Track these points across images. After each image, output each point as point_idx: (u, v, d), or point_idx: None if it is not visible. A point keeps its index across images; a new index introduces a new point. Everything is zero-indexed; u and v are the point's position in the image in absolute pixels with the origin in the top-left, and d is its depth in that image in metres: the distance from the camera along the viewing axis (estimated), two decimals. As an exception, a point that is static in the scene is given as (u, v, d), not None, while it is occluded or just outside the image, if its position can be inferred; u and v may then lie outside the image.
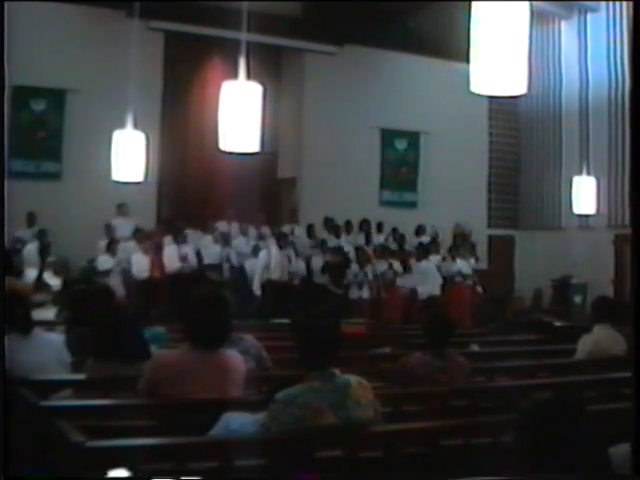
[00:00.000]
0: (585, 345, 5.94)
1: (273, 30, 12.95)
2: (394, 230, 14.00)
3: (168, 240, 12.00)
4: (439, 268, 12.54)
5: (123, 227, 12.07)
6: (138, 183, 9.45)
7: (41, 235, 11.44)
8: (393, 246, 13.51)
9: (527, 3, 3.98)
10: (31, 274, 10.31)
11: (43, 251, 11.06)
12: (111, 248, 11.38)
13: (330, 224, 13.59)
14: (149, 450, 2.83)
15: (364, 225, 13.95)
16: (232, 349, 3.87)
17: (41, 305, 7.06)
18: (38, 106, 12.56)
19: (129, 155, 9.09)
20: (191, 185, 14.30)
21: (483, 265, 14.30)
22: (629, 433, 2.03)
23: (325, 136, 14.23)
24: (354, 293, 12.39)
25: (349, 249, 13.04)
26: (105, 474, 2.61)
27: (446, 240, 13.81)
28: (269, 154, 13.99)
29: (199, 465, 2.77)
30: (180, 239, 11.92)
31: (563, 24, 15.20)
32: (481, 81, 4.00)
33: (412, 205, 15.31)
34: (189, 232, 12.34)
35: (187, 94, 14.21)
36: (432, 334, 4.73)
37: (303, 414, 2.94)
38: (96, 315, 4.70)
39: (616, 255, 13.66)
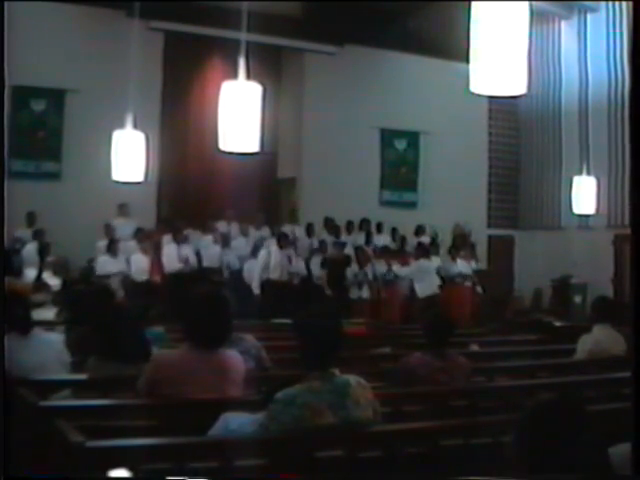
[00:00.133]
0: (585, 345, 5.94)
1: (273, 30, 12.95)
2: (394, 230, 14.00)
3: (167, 240, 11.99)
4: (439, 269, 12.54)
5: (123, 227, 12.07)
6: (138, 183, 9.44)
7: (39, 235, 11.42)
8: (393, 246, 13.50)
9: (527, 3, 3.98)
10: (31, 274, 10.31)
11: (42, 251, 11.06)
12: (112, 248, 11.36)
13: (330, 224, 13.58)
14: (148, 450, 2.82)
15: (364, 225, 13.95)
16: (232, 349, 3.87)
17: (41, 305, 7.07)
18: (38, 106, 12.56)
19: (129, 155, 9.09)
20: (191, 185, 14.30)
21: (483, 265, 14.30)
22: (629, 433, 2.03)
23: (325, 136, 14.23)
24: (354, 293, 12.39)
25: (349, 249, 13.04)
26: (105, 474, 2.61)
27: (446, 240, 13.81)
28: (269, 154, 13.99)
29: (198, 465, 2.77)
30: (180, 239, 11.92)
31: (563, 24, 15.20)
32: (481, 81, 4.00)
33: (412, 205, 15.31)
34: (189, 232, 12.34)
35: (187, 94, 14.21)
36: (432, 334, 4.73)
37: (302, 414, 2.94)
38: (96, 315, 4.70)
39: (616, 255, 13.66)
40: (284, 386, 3.03)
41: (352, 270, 12.43)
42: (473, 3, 3.98)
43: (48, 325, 5.63)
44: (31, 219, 11.77)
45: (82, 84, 12.40)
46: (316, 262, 12.71)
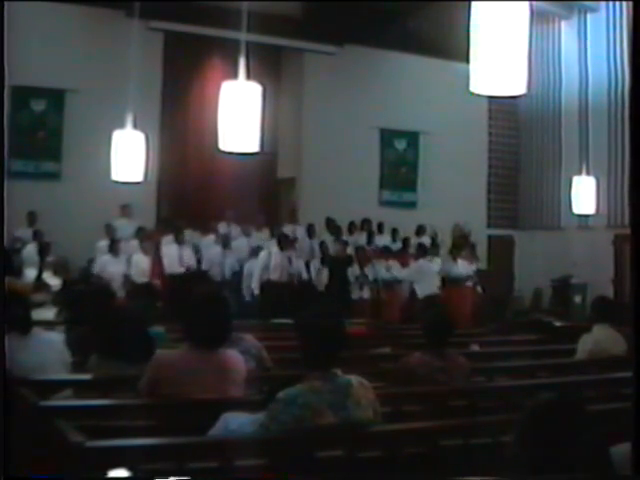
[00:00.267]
0: (585, 345, 5.94)
1: (273, 30, 12.95)
2: (394, 231, 13.98)
3: (168, 240, 11.99)
4: (440, 269, 12.51)
5: (124, 227, 12.06)
6: (138, 183, 9.44)
7: (38, 236, 11.41)
8: (394, 247, 13.48)
9: (527, 3, 3.98)
10: (31, 274, 10.31)
11: (42, 251, 11.05)
12: (113, 248, 11.35)
13: (332, 225, 13.57)
14: (149, 450, 2.83)
15: (365, 225, 13.94)
16: (232, 349, 3.87)
17: (41, 305, 7.06)
18: (38, 106, 12.57)
19: (129, 155, 9.08)
20: (191, 185, 14.30)
21: (483, 265, 14.30)
22: (628, 433, 2.03)
23: (325, 136, 14.23)
24: (355, 293, 12.37)
25: (351, 249, 13.02)
26: (105, 474, 2.61)
27: (446, 240, 13.81)
28: (269, 154, 13.99)
29: (198, 465, 2.77)
30: (181, 239, 11.91)
31: (563, 24, 15.19)
32: (481, 81, 4.00)
33: (412, 205, 15.31)
34: (188, 232, 12.33)
35: (187, 94, 14.21)
36: (432, 334, 4.73)
37: (303, 414, 2.94)
38: (97, 314, 4.71)
39: (615, 255, 13.66)
40: (285, 386, 3.03)
41: (353, 271, 12.42)
42: (473, 3, 3.97)
43: (48, 325, 5.63)
44: (32, 219, 11.77)
45: (82, 84, 12.40)
46: (317, 262, 12.69)
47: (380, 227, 14.08)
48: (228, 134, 6.35)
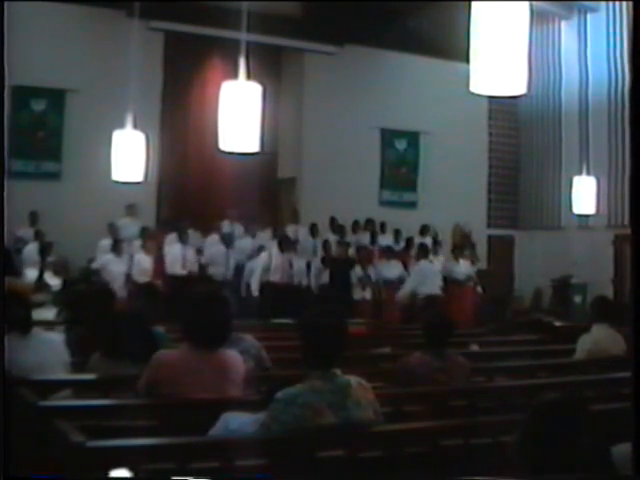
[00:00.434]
0: (584, 345, 5.94)
1: (273, 30, 12.94)
2: (397, 231, 13.97)
3: (171, 239, 11.99)
4: (442, 270, 12.48)
5: (128, 227, 12.05)
6: (138, 183, 9.44)
7: (39, 235, 11.41)
8: (397, 247, 13.46)
9: (527, 3, 3.97)
10: (31, 274, 10.31)
11: (43, 251, 11.06)
12: (116, 248, 11.34)
13: (335, 224, 13.56)
14: (149, 450, 2.83)
15: (368, 225, 13.93)
16: (232, 349, 3.87)
17: (41, 305, 7.06)
18: (38, 106, 12.56)
19: (129, 155, 9.08)
20: (191, 185, 14.30)
21: (483, 265, 14.30)
22: (628, 433, 2.03)
23: (325, 136, 14.23)
24: (357, 294, 12.34)
25: (353, 249, 13.01)
26: (105, 474, 2.61)
27: (446, 240, 13.81)
28: (269, 154, 13.99)
29: (199, 465, 2.77)
30: (184, 239, 11.92)
31: (563, 24, 15.19)
32: (481, 81, 4.00)
33: (412, 205, 15.31)
34: (189, 232, 12.32)
35: (187, 94, 14.21)
36: (432, 334, 4.73)
37: (303, 413, 2.94)
38: (97, 314, 4.71)
39: (615, 255, 13.66)
40: (284, 386, 3.03)
41: (356, 273, 12.38)
42: (473, 3, 3.97)
43: (48, 325, 5.63)
44: (34, 219, 11.77)
45: (82, 84, 12.40)
46: (318, 263, 12.68)
47: (383, 227, 14.07)
48: (228, 134, 6.35)
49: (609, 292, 12.28)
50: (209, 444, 2.98)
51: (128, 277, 11.17)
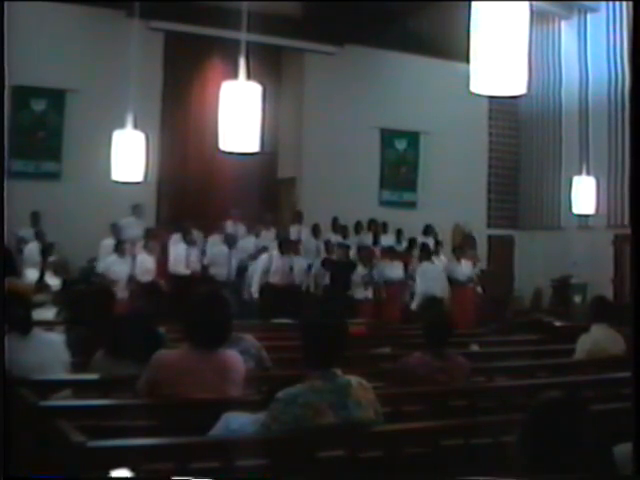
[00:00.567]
0: (584, 345, 5.95)
1: (273, 30, 12.94)
2: (399, 231, 13.96)
3: (175, 239, 11.98)
4: (444, 270, 12.46)
5: (131, 227, 12.04)
6: (138, 183, 9.45)
7: (40, 236, 11.41)
8: (399, 247, 13.44)
9: (527, 3, 3.98)
10: (32, 274, 10.31)
11: (44, 251, 11.06)
12: (119, 248, 11.32)
13: (337, 225, 13.55)
14: (149, 450, 2.83)
15: (371, 225, 13.91)
16: (232, 349, 3.87)
17: (41, 305, 7.07)
18: (38, 106, 12.56)
19: (129, 155, 9.09)
20: (191, 185, 14.29)
21: (483, 265, 14.29)
22: (627, 433, 2.03)
23: (325, 136, 14.23)
24: (358, 294, 12.30)
25: (354, 250, 12.99)
26: (105, 474, 2.61)
27: (446, 240, 13.80)
28: (269, 154, 13.98)
29: (199, 465, 2.77)
30: (188, 239, 11.92)
31: (563, 24, 15.19)
32: (481, 81, 4.00)
33: (412, 205, 15.31)
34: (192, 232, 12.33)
35: (187, 94, 14.21)
36: (432, 334, 4.73)
37: (304, 413, 2.94)
38: (97, 314, 4.71)
39: (615, 255, 13.66)
40: (285, 386, 3.03)
41: (358, 272, 12.35)
42: (473, 3, 3.98)
43: (48, 325, 5.64)
44: (35, 219, 11.77)
45: (82, 84, 12.40)
46: (319, 265, 12.65)
47: (384, 227, 14.06)
48: (228, 134, 6.36)
49: (609, 292, 12.28)
50: (209, 444, 2.98)
51: (131, 277, 11.16)
